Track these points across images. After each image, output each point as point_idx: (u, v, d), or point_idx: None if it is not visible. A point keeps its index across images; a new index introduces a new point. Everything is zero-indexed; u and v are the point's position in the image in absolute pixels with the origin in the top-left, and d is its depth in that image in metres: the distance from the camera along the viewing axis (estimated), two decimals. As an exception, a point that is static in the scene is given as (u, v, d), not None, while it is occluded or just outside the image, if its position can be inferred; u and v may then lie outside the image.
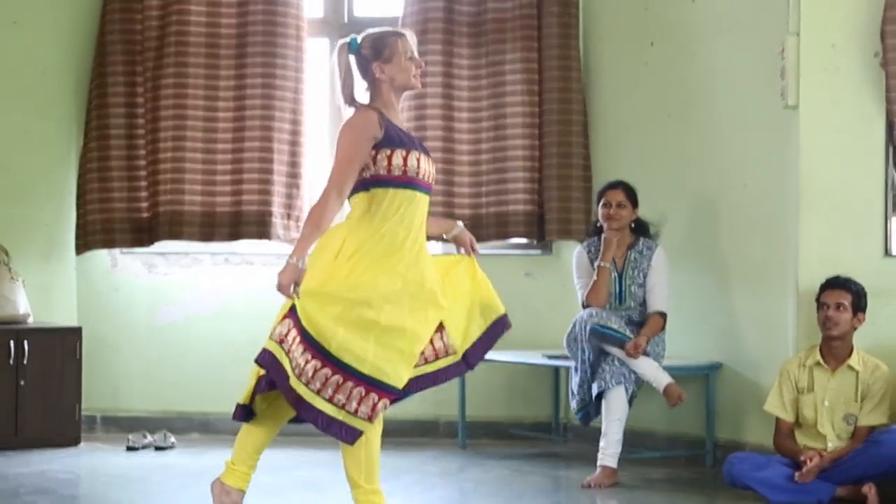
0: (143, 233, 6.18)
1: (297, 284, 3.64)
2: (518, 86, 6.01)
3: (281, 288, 3.64)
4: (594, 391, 5.04)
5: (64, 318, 6.23)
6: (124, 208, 6.17)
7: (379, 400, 3.69)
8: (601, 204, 5.26)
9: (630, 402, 5.05)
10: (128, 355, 6.33)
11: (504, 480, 5.09)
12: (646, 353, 5.05)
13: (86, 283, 6.35)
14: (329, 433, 3.73)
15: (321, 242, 3.73)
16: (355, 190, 3.75)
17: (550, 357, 5.65)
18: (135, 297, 6.35)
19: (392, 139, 3.76)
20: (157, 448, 5.82)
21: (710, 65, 5.53)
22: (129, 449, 5.78)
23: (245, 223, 6.10)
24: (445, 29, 6.08)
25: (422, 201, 3.82)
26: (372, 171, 3.74)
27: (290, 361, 3.68)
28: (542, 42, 6.03)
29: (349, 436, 3.73)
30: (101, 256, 6.37)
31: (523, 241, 6.18)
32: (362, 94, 3.89)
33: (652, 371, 5.04)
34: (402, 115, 4.11)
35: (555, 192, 5.98)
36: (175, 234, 6.11)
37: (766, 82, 5.19)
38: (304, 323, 3.68)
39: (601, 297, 5.19)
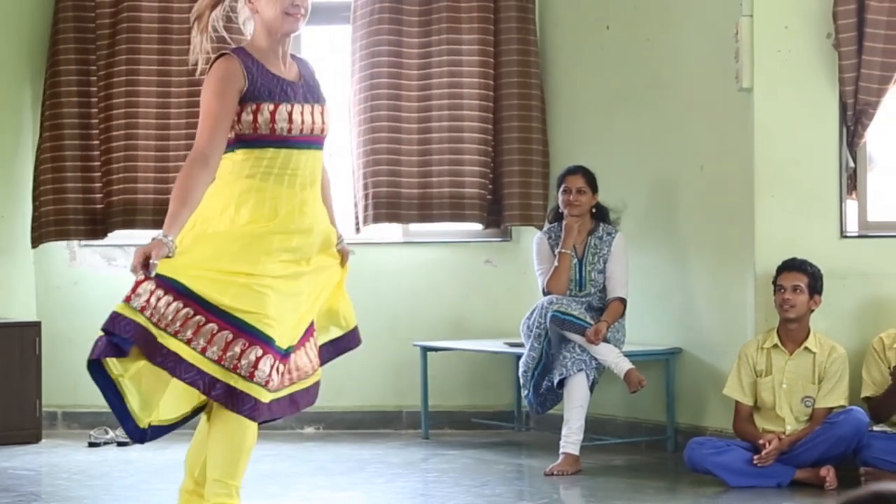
0: (97, 225, 6.12)
1: (148, 258, 3.17)
2: (474, 67, 5.96)
3: (133, 267, 3.19)
4: (555, 378, 5.04)
5: (22, 312, 6.16)
6: (79, 199, 6.10)
7: (263, 356, 3.19)
8: (561, 190, 5.25)
9: (591, 388, 5.06)
10: (88, 350, 6.21)
11: (467, 469, 5.09)
12: (606, 340, 5.05)
13: (44, 277, 6.29)
14: (213, 398, 3.24)
15: (197, 216, 3.27)
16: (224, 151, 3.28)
17: (511, 345, 5.65)
18: (94, 290, 6.29)
19: (259, 91, 3.28)
20: (119, 443, 5.77)
21: (666, 48, 5.53)
22: (91, 445, 5.74)
23: None
24: (396, 9, 6.03)
25: (305, 158, 3.34)
26: (237, 130, 3.28)
27: (147, 313, 3.22)
28: (500, 25, 5.99)
29: (237, 403, 3.19)
30: (59, 250, 6.30)
31: (482, 228, 6.15)
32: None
33: (612, 357, 5.05)
34: (288, 59, 3.43)
35: (515, 178, 5.96)
36: (128, 225, 6.05)
37: (721, 65, 5.19)
38: (165, 272, 3.19)
39: (562, 283, 5.19)
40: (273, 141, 3.31)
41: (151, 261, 3.20)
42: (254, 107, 3.29)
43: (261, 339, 3.26)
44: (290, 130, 3.32)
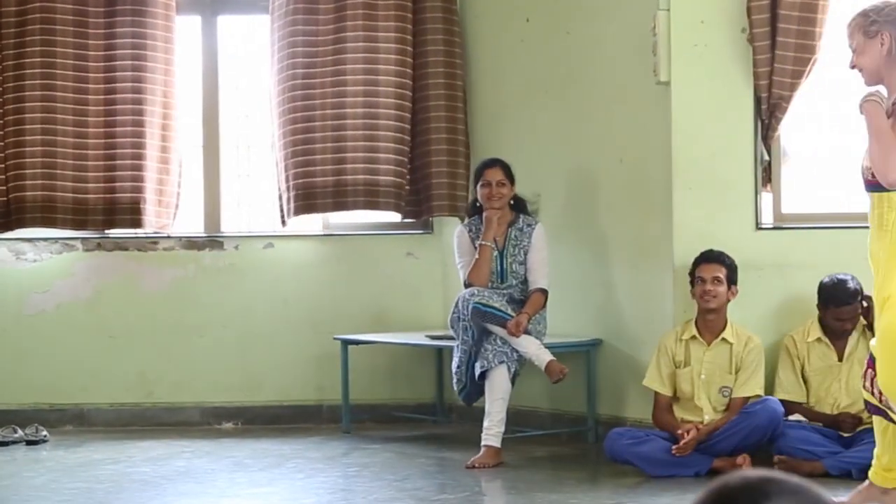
0: (4, 219, 5.95)
1: None
2: (391, 55, 5.90)
3: None
4: (477, 370, 5.03)
5: (-73, 309, 5.98)
6: None
7: None
8: (480, 184, 5.24)
9: (513, 380, 5.06)
10: (-3, 346, 6.10)
11: (388, 463, 5.06)
12: (527, 332, 5.06)
13: (-50, 272, 6.11)
14: None
15: None
16: None
17: (433, 337, 5.63)
18: (2, 285, 6.13)
19: None
20: (29, 442, 5.63)
21: (585, 41, 5.55)
22: (-1, 444, 5.60)
23: (119, 212, 5.95)
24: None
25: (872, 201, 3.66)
26: None
27: None
28: (423, 15, 5.95)
29: None
30: (-35, 244, 6.12)
31: (400, 218, 6.12)
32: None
33: (533, 349, 5.06)
34: None
35: (443, 168, 5.93)
36: (48, 223, 5.94)
37: (639, 58, 5.23)
38: None
39: (483, 275, 5.18)
40: None
41: None
42: None
43: None
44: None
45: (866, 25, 3.64)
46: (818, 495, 1.33)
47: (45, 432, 5.72)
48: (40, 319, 6.10)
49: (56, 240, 6.14)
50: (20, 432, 5.69)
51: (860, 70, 3.68)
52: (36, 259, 6.15)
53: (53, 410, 6.06)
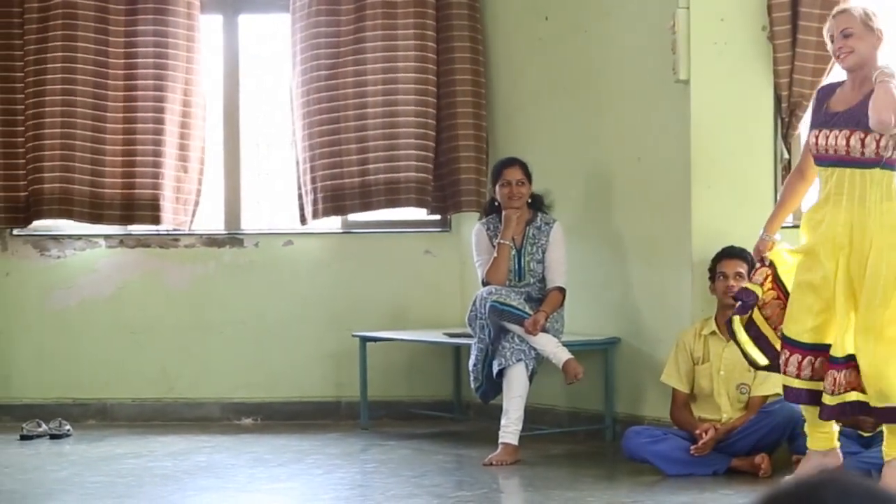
0: (20, 213, 5.99)
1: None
2: (410, 52, 5.91)
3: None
4: (495, 368, 5.05)
5: (-47, 304, 6.06)
6: (7, 187, 5.98)
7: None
8: (499, 183, 5.25)
9: (530, 378, 5.08)
10: (20, 341, 6.17)
11: (406, 460, 5.08)
12: (545, 330, 5.07)
13: (-25, 268, 6.18)
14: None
15: None
16: None
17: (451, 335, 5.65)
18: (27, 281, 6.19)
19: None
20: (53, 436, 5.69)
21: (604, 40, 5.55)
22: (24, 438, 5.65)
23: (138, 207, 5.99)
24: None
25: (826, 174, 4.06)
26: None
27: None
28: (446, 11, 5.97)
29: None
30: (-10, 241, 6.19)
31: (424, 217, 6.15)
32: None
33: (551, 347, 5.06)
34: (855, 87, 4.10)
35: (472, 164, 5.94)
36: (65, 215, 5.98)
37: (658, 57, 5.23)
38: None
39: (501, 274, 5.20)
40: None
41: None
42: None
43: None
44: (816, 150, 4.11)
45: (867, 19, 4.02)
46: (887, 496, 1.24)
47: (68, 426, 5.78)
48: (64, 315, 6.16)
49: (80, 236, 6.20)
50: (44, 426, 5.75)
51: (850, 52, 4.02)
52: (59, 255, 6.21)
53: (77, 405, 6.12)
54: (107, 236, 6.19)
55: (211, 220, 6.28)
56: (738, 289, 4.40)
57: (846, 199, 4.00)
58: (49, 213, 6.00)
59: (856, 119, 3.99)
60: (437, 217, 6.15)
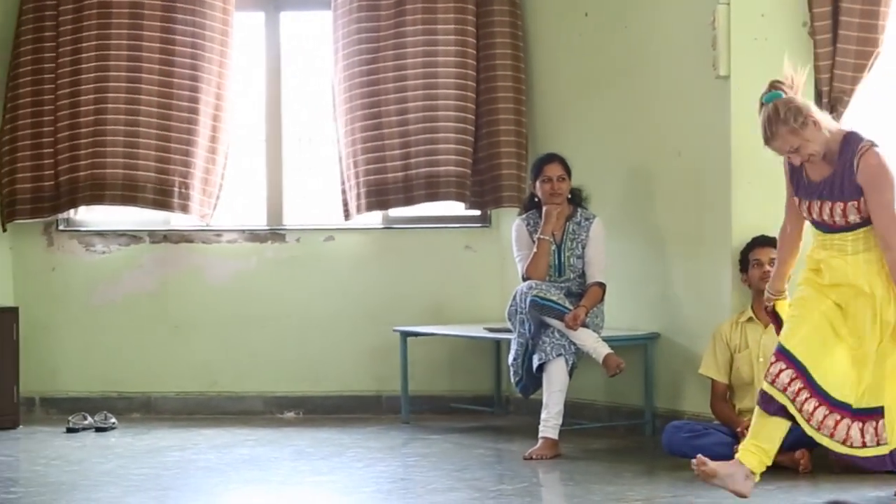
0: (60, 199, 6.06)
1: None
2: (450, 47, 5.95)
3: None
4: (535, 363, 5.07)
5: (0, 298, 6.15)
6: (43, 177, 6.06)
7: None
8: (540, 179, 5.27)
9: (570, 373, 5.09)
10: (66, 335, 6.27)
11: (447, 454, 5.12)
12: (585, 325, 5.09)
13: (22, 262, 6.28)
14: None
15: None
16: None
17: (491, 330, 5.68)
18: (72, 276, 6.28)
19: None
20: (98, 429, 5.78)
21: (644, 35, 5.55)
22: (70, 430, 5.74)
23: (170, 195, 6.03)
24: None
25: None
26: None
27: None
28: (491, 7, 6.00)
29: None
30: (36, 235, 6.29)
31: (464, 213, 6.18)
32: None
33: (591, 342, 5.08)
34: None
35: (512, 159, 5.97)
36: (97, 200, 6.03)
37: (698, 52, 5.22)
38: None
39: (541, 269, 5.22)
40: None
41: None
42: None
43: None
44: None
45: (798, 127, 3.94)
46: None
47: (113, 420, 5.87)
48: (108, 310, 6.25)
49: (124, 232, 6.29)
50: (90, 419, 5.84)
51: (809, 156, 3.96)
52: (104, 251, 6.30)
53: (121, 398, 6.21)
54: (151, 232, 6.28)
55: (253, 216, 6.34)
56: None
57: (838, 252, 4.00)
58: (83, 200, 6.04)
59: (837, 189, 3.94)
60: (478, 212, 6.18)
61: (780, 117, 3.94)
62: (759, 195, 5.06)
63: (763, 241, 4.84)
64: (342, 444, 5.35)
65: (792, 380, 3.91)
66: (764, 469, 4.00)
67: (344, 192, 6.12)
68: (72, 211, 6.22)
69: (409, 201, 6.02)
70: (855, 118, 5.18)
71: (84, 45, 6.02)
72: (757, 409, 4.01)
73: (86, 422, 5.82)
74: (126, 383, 6.22)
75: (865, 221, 3.95)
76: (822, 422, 3.92)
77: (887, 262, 3.90)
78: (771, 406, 3.96)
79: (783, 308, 4.21)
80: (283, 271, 6.23)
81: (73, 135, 6.05)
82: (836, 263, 3.99)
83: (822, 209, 3.98)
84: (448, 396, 6.11)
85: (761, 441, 3.98)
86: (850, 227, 3.96)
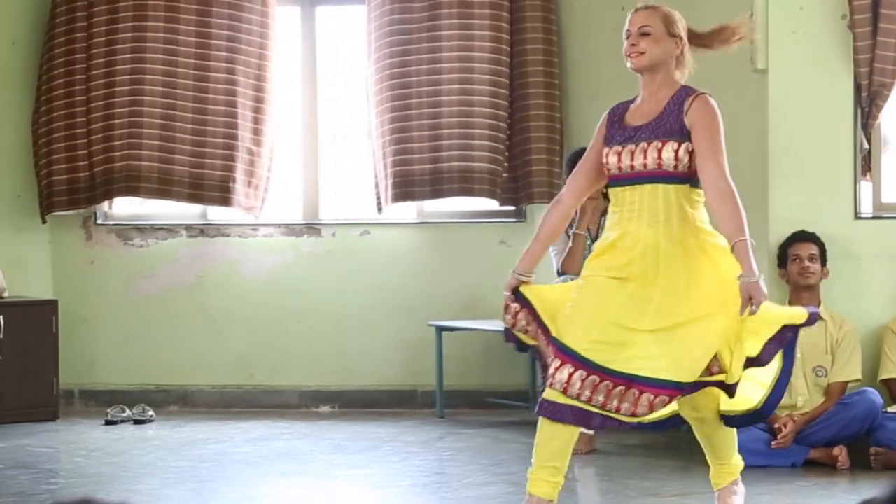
0: (95, 190, 6.10)
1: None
2: (486, 42, 5.94)
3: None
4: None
5: (39, 291, 6.22)
6: (78, 168, 6.10)
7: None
8: (574, 173, 5.25)
9: (605, 367, 5.08)
10: (104, 328, 6.32)
11: (482, 448, 5.13)
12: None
13: (60, 256, 6.34)
14: None
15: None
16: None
17: (526, 324, 5.67)
18: (110, 269, 6.34)
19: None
20: (136, 421, 5.83)
21: (681, 29, 5.52)
22: (108, 423, 5.79)
23: (208, 188, 6.07)
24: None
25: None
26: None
27: None
28: (523, 3, 5.99)
29: None
30: (75, 229, 6.35)
31: (499, 208, 6.18)
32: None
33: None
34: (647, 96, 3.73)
35: (543, 155, 5.96)
36: (132, 192, 6.06)
37: (736, 46, 5.18)
38: None
39: (576, 264, 5.20)
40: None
41: None
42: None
43: None
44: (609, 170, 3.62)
45: (669, 23, 3.69)
46: None
47: (151, 412, 5.92)
48: (145, 303, 6.30)
49: (161, 226, 6.33)
50: (128, 412, 5.89)
51: (640, 53, 3.63)
52: (142, 245, 6.35)
53: (159, 391, 6.27)
54: (188, 226, 6.32)
55: (289, 210, 6.37)
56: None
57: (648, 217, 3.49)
58: (118, 192, 6.08)
59: (660, 129, 3.56)
60: (513, 208, 6.18)
61: (665, 7, 3.73)
62: (796, 189, 5.03)
63: (802, 237, 4.82)
64: (378, 438, 5.37)
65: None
66: None
67: (376, 184, 6.13)
68: (106, 204, 6.27)
69: (436, 194, 6.02)
70: (894, 111, 5.14)
71: (119, 35, 6.06)
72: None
73: (124, 414, 5.87)
74: (163, 376, 6.27)
75: (673, 175, 3.50)
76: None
77: (723, 213, 3.50)
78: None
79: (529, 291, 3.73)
80: (319, 265, 6.26)
81: (108, 125, 6.08)
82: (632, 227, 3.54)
83: (634, 155, 3.53)
84: (483, 391, 6.12)
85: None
86: (652, 177, 3.50)
